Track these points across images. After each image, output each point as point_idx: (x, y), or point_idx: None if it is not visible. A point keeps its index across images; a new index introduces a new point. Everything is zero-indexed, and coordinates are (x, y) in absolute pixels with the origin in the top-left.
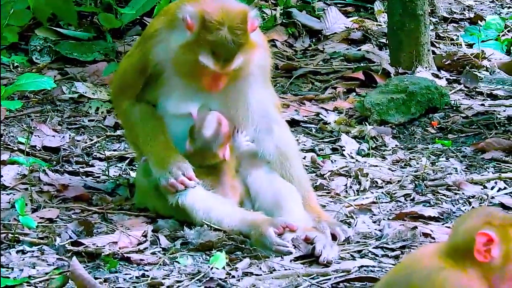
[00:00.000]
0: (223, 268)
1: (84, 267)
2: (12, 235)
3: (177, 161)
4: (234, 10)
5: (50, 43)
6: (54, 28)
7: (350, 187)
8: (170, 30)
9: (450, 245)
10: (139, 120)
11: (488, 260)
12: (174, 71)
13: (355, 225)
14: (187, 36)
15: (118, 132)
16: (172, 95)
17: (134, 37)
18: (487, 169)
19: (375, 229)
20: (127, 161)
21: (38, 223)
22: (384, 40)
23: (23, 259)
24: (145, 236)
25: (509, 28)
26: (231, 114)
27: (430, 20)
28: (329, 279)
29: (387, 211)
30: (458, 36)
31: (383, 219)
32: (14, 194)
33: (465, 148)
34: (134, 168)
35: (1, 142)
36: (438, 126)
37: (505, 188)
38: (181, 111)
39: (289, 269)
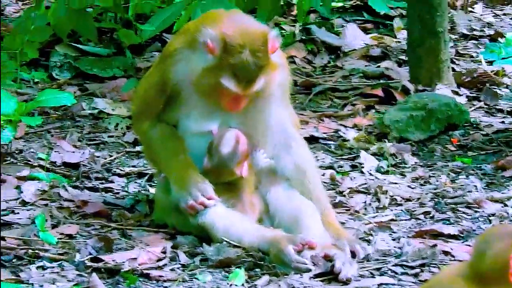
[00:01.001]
0: (242, 285)
1: (104, 283)
2: (32, 251)
3: (197, 181)
4: (254, 32)
5: (70, 59)
6: (74, 44)
7: (369, 204)
8: (190, 50)
9: (474, 267)
10: (159, 140)
11: None
12: (194, 90)
13: (375, 243)
14: (208, 59)
15: (138, 148)
16: (192, 113)
17: (154, 53)
18: (508, 187)
19: (395, 247)
20: (146, 177)
21: (58, 239)
22: (403, 57)
23: (43, 275)
24: (164, 252)
25: None
26: (250, 132)
27: (450, 37)
28: None
29: (407, 229)
30: (478, 53)
31: (403, 237)
32: (34, 210)
33: (485, 166)
34: (153, 184)
35: (19, 158)
36: (458, 143)
37: None
38: (201, 129)
39: (308, 286)
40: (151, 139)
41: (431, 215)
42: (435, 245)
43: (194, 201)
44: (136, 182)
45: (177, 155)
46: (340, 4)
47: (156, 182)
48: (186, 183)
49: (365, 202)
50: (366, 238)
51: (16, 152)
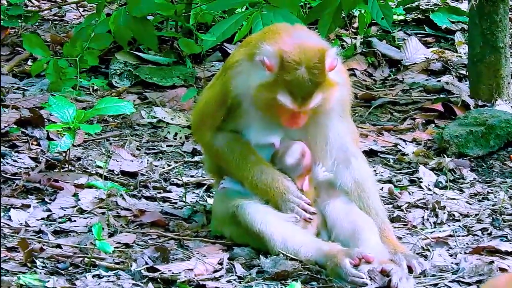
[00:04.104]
0: None
1: None
2: (88, 259)
3: (288, 189)
4: (312, 49)
5: (130, 67)
6: (134, 52)
7: (427, 219)
8: (250, 64)
9: None
10: (225, 146)
11: None
12: (253, 104)
13: (431, 258)
14: (266, 75)
15: (196, 158)
16: (253, 125)
17: (214, 62)
18: None
19: (452, 263)
20: (204, 188)
21: (115, 247)
22: (464, 72)
23: (99, 284)
24: (221, 263)
25: None
26: (310, 146)
27: (511, 52)
28: None
29: (464, 245)
30: None
31: (460, 253)
32: (91, 218)
33: None
34: (211, 194)
35: (77, 165)
36: None
37: None
38: (263, 141)
39: None
40: (217, 147)
41: (488, 232)
42: (492, 262)
43: (297, 206)
44: (194, 192)
45: (249, 157)
46: (401, 18)
47: (214, 192)
48: (279, 192)
49: (423, 217)
50: (423, 254)
51: (74, 159)
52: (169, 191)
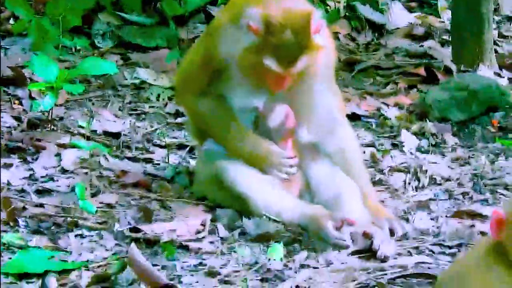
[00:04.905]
0: (281, 259)
1: (142, 254)
2: (71, 219)
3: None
4: (297, 12)
5: (113, 27)
6: (118, 12)
7: (409, 183)
8: (235, 27)
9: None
10: (208, 112)
11: None
12: (239, 68)
13: (413, 222)
14: (251, 38)
15: (179, 120)
16: (237, 89)
17: (197, 24)
18: None
19: (433, 226)
20: (187, 149)
21: (97, 208)
22: (446, 37)
23: (82, 243)
24: (204, 225)
25: None
26: (294, 110)
27: (494, 18)
28: (386, 274)
29: (445, 209)
30: None
31: (441, 216)
32: (73, 178)
33: None
34: (194, 156)
35: (59, 125)
36: (498, 125)
37: None
38: (246, 105)
39: (346, 263)
40: (199, 111)
41: (469, 196)
42: (473, 225)
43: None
44: (176, 154)
45: (229, 123)
46: None
47: (197, 154)
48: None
49: (404, 181)
50: (405, 217)
51: (57, 119)
52: (152, 152)
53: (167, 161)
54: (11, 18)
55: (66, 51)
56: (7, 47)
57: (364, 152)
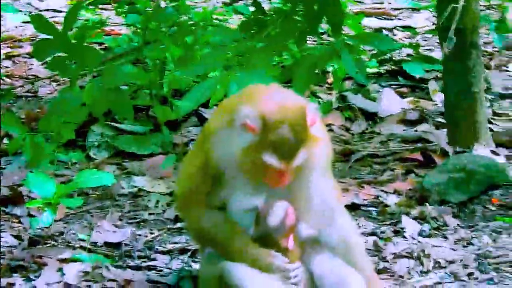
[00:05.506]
0: None
1: None
2: None
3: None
4: (292, 106)
5: (107, 138)
6: (111, 123)
7: (413, 268)
8: (229, 130)
9: None
10: (211, 229)
11: None
12: (237, 170)
13: None
14: (249, 138)
15: (179, 225)
16: (237, 192)
17: (190, 128)
18: None
19: None
20: (189, 253)
21: None
22: (441, 119)
23: None
24: None
25: None
26: (294, 205)
27: (486, 97)
28: None
29: None
30: None
31: None
32: None
33: None
34: (196, 260)
35: (60, 240)
36: (498, 203)
37: None
38: (247, 206)
39: None
40: (203, 227)
41: (475, 276)
42: None
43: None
44: (179, 259)
45: (233, 240)
46: (375, 70)
47: (199, 257)
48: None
49: (408, 266)
50: None
51: (57, 234)
52: (154, 259)
53: (170, 267)
54: (5, 138)
55: (62, 166)
56: (4, 166)
57: (367, 241)
